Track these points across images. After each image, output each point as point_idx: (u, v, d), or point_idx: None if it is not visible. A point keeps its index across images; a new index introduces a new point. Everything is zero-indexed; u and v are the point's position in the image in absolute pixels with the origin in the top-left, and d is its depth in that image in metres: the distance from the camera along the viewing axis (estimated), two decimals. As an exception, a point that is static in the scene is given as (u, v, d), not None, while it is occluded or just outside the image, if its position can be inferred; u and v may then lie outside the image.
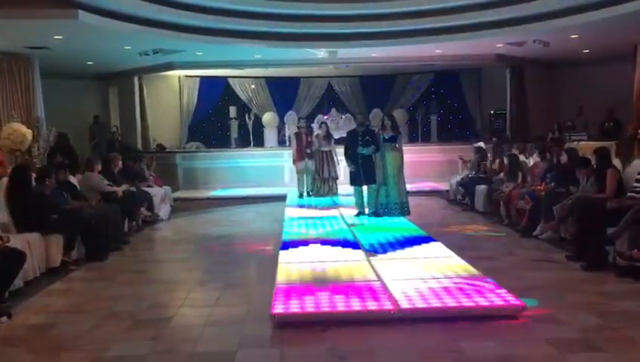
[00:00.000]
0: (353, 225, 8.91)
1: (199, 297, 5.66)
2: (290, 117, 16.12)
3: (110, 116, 16.26)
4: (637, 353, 4.01)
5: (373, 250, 6.88)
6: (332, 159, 12.50)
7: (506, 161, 10.11)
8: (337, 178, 12.66)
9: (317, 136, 12.60)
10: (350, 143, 9.75)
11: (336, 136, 13.05)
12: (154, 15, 10.70)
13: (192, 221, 10.90)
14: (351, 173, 9.83)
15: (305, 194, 12.63)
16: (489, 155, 11.49)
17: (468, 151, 13.11)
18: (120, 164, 9.92)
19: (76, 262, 7.10)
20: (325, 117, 15.56)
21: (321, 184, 12.52)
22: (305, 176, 12.69)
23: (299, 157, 12.55)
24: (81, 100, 15.62)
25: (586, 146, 10.47)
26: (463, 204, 11.19)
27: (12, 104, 11.78)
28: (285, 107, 17.21)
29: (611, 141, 11.18)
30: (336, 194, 12.41)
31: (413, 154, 13.83)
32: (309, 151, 12.47)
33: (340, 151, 11.24)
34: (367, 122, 10.23)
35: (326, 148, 12.47)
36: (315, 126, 14.06)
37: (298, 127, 12.93)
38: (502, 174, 10.02)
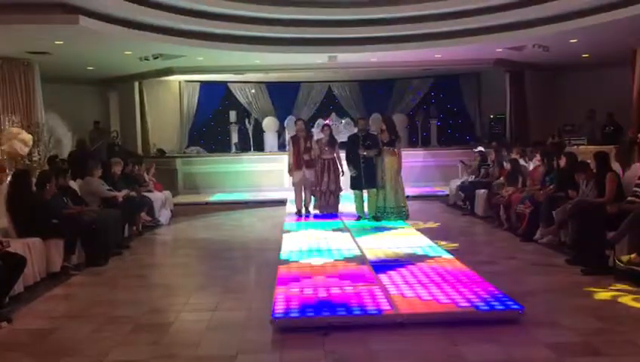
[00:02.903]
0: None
1: (199, 302, 5.66)
2: (290, 121, 16.13)
3: (110, 121, 16.29)
4: (637, 357, 4.01)
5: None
6: (335, 169, 10.43)
7: (506, 165, 10.12)
8: (340, 191, 10.53)
9: (318, 141, 10.61)
10: (351, 147, 9.76)
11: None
12: (154, 20, 10.74)
13: (193, 226, 10.90)
14: (352, 177, 9.83)
15: (304, 210, 10.59)
16: (490, 158, 11.46)
17: (467, 155, 13.13)
18: (120, 169, 9.94)
19: (76, 266, 7.11)
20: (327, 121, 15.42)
21: (321, 198, 10.52)
22: (303, 189, 10.61)
23: (295, 165, 10.44)
24: (82, 105, 15.63)
25: (585, 150, 10.48)
26: (463, 209, 11.21)
27: (12, 109, 11.80)
28: (285, 112, 17.26)
29: (611, 145, 11.19)
30: (336, 210, 10.44)
31: (412, 159, 13.88)
32: (307, 158, 10.40)
33: (342, 157, 10.29)
34: (367, 126, 10.20)
35: (328, 156, 10.42)
36: (315, 130, 13.60)
37: (296, 130, 10.78)
38: (501, 178, 10.03)
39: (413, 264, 6.39)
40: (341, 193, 10.56)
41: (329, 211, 10.41)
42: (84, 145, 12.74)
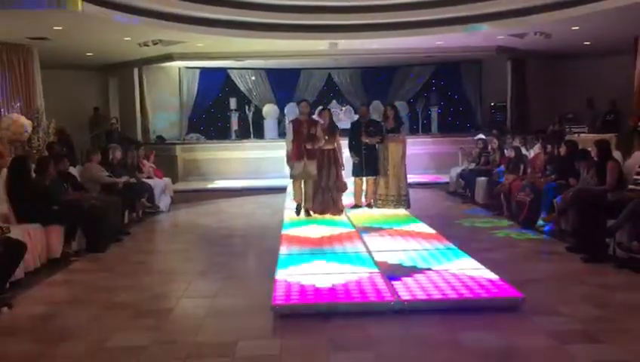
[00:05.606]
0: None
1: (200, 288, 5.67)
2: (291, 108, 16.07)
3: (110, 107, 16.23)
4: (636, 344, 4.01)
5: None
6: (337, 162, 9.09)
7: (508, 152, 10.10)
8: (345, 189, 9.20)
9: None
10: (354, 134, 9.70)
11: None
12: (154, 6, 10.66)
13: (192, 212, 10.90)
14: (353, 164, 9.78)
15: (303, 210, 8.94)
16: (490, 146, 11.41)
17: (468, 143, 13.10)
18: (119, 155, 9.93)
19: (77, 253, 7.12)
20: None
21: (316, 196, 8.94)
22: (303, 183, 8.89)
23: (296, 155, 8.72)
24: (81, 91, 15.57)
25: (586, 139, 10.47)
26: (464, 196, 11.21)
27: (12, 95, 11.75)
28: (285, 99, 17.18)
29: (612, 133, 11.19)
30: (339, 211, 8.99)
31: (413, 146, 13.78)
32: (309, 147, 8.73)
33: (344, 144, 9.49)
34: (368, 114, 10.12)
35: (329, 146, 8.96)
36: (316, 116, 13.07)
37: (300, 113, 8.99)
38: (502, 166, 10.02)
39: (414, 251, 6.41)
40: (346, 191, 9.26)
41: (328, 212, 8.92)
42: (63, 133, 12.62)
